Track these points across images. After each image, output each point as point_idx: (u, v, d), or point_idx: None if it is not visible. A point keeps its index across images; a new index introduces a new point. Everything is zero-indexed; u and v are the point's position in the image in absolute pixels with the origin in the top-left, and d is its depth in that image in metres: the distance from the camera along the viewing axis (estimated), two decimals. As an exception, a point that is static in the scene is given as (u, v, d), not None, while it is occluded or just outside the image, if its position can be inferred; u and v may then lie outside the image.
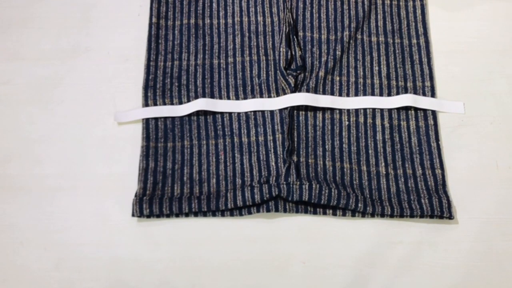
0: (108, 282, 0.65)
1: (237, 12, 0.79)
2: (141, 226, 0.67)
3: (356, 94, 0.73)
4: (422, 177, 0.68)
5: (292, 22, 0.76)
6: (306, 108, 0.71)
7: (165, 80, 0.74)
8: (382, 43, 0.76)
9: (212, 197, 0.67)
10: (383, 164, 0.69)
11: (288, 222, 0.67)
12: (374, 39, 0.76)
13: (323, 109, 0.72)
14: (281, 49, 0.73)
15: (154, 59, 0.76)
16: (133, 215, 0.66)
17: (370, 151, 0.69)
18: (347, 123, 0.71)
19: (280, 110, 0.71)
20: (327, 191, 0.64)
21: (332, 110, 0.72)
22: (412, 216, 0.65)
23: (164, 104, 0.73)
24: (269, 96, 0.72)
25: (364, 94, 0.73)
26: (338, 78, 0.73)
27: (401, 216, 0.65)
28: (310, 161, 0.68)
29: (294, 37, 0.75)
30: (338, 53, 0.74)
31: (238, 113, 0.72)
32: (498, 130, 0.71)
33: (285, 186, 0.65)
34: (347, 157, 0.69)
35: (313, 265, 0.65)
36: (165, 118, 0.72)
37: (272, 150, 0.69)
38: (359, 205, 0.65)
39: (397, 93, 0.73)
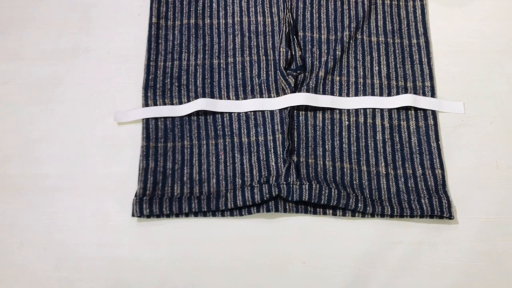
0: (108, 282, 0.65)
1: (237, 12, 0.79)
2: (141, 226, 0.67)
3: (356, 94, 0.73)
4: (422, 177, 0.68)
5: (292, 22, 0.76)
6: (306, 108, 0.71)
7: (165, 80, 0.74)
8: (382, 43, 0.76)
9: (212, 197, 0.67)
10: (383, 164, 0.69)
11: (288, 222, 0.67)
12: (374, 39, 0.76)
13: (323, 109, 0.72)
14: (281, 49, 0.73)
15: (154, 59, 0.76)
16: (133, 215, 0.66)
17: (370, 151, 0.69)
18: (347, 123, 0.71)
19: (280, 110, 0.71)
20: (327, 191, 0.64)
21: (332, 110, 0.72)
22: (412, 216, 0.65)
23: (164, 104, 0.73)
24: (269, 96, 0.72)
25: (364, 94, 0.73)
26: (338, 78, 0.73)
27: (401, 216, 0.65)
28: (310, 161, 0.68)
29: (294, 37, 0.75)
30: (338, 53, 0.74)
31: (238, 113, 0.72)
32: (498, 130, 0.71)
33: (285, 186, 0.65)
34: (347, 157, 0.69)
35: (313, 265, 0.65)
36: (165, 118, 0.72)
37: (272, 150, 0.69)
38: (359, 205, 0.65)
39: (397, 93, 0.73)
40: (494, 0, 0.79)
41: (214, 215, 0.67)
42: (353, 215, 0.66)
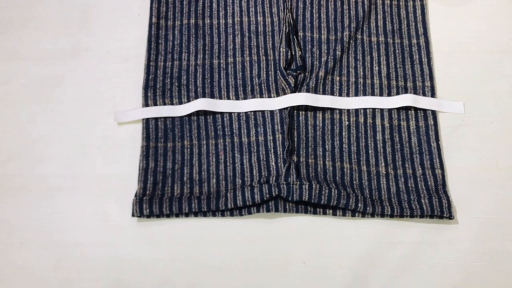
0: (108, 282, 0.65)
1: (237, 12, 0.79)
2: (141, 226, 0.67)
3: (356, 94, 0.73)
4: (422, 177, 0.68)
5: (292, 22, 0.76)
6: (306, 108, 0.71)
7: (165, 80, 0.74)
8: (382, 43, 0.76)
9: (212, 197, 0.67)
10: (383, 164, 0.69)
11: (288, 222, 0.67)
12: (374, 39, 0.76)
13: (323, 109, 0.72)
14: (281, 49, 0.73)
15: (154, 59, 0.76)
16: (133, 215, 0.66)
17: (370, 151, 0.69)
18: (347, 123, 0.71)
19: (280, 110, 0.71)
20: (327, 191, 0.64)
21: (332, 110, 0.72)
22: (412, 216, 0.65)
23: (164, 104, 0.73)
24: (269, 96, 0.72)
25: (364, 94, 0.73)
26: (338, 78, 0.73)
27: (401, 216, 0.65)
28: (310, 161, 0.68)
29: (294, 37, 0.75)
30: (338, 53, 0.74)
31: (238, 113, 0.72)
32: (498, 130, 0.71)
33: (285, 186, 0.65)
34: (347, 157, 0.69)
35: (313, 265, 0.65)
36: (165, 118, 0.72)
37: (272, 150, 0.69)
38: (359, 205, 0.65)
39: (397, 93, 0.73)
40: (494, 0, 0.79)
41: (214, 215, 0.67)
42: (353, 215, 0.66)
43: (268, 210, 0.66)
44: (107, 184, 0.69)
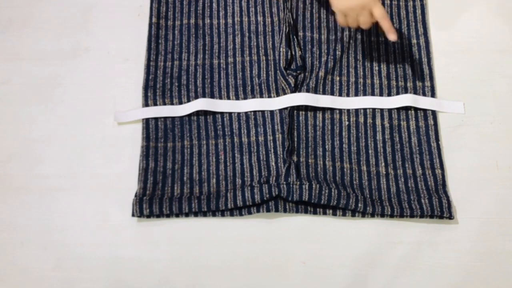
0: (108, 282, 0.65)
1: (237, 12, 0.79)
2: (141, 226, 0.67)
3: (356, 94, 0.73)
4: (422, 177, 0.67)
5: (292, 22, 0.76)
6: (306, 108, 0.71)
7: (165, 80, 0.74)
8: (382, 43, 0.76)
9: (212, 197, 0.67)
10: (383, 164, 0.69)
11: (288, 222, 0.67)
12: (374, 39, 0.76)
13: (323, 109, 0.72)
14: (281, 49, 0.73)
15: (154, 59, 0.76)
16: (133, 215, 0.66)
17: (370, 151, 0.69)
18: (347, 123, 0.71)
19: (280, 110, 0.71)
20: (327, 191, 0.64)
21: (332, 110, 0.72)
22: (412, 216, 0.65)
23: (164, 104, 0.73)
24: (269, 96, 0.72)
25: (364, 94, 0.72)
26: (338, 78, 0.73)
27: (401, 216, 0.65)
28: (310, 161, 0.68)
29: (294, 37, 0.75)
30: (338, 53, 0.74)
31: (238, 113, 0.72)
32: (498, 130, 0.71)
33: (285, 186, 0.65)
34: (347, 157, 0.69)
35: (313, 265, 0.65)
36: (165, 118, 0.72)
37: (272, 150, 0.69)
38: (359, 205, 0.64)
39: (397, 93, 0.72)
40: (494, 0, 0.79)
41: (214, 215, 0.67)
42: (353, 215, 0.66)
43: (268, 210, 0.66)
44: (107, 184, 0.69)
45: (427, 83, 0.73)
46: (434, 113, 0.71)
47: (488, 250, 0.65)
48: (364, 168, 0.68)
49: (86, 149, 0.72)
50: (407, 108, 0.71)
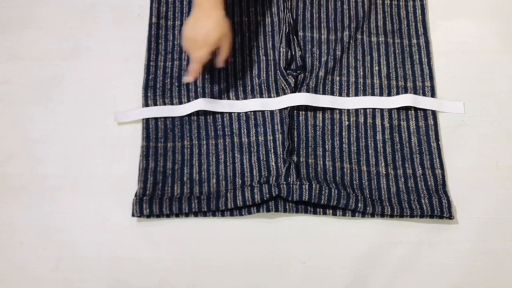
0: (108, 282, 0.65)
1: (237, 12, 0.79)
2: (141, 226, 0.67)
3: (356, 94, 0.73)
4: (422, 177, 0.67)
5: (292, 22, 0.76)
6: (306, 108, 0.71)
7: (165, 80, 0.74)
8: (382, 43, 0.76)
9: (212, 197, 0.67)
10: (383, 164, 0.69)
11: (288, 222, 0.67)
12: (374, 39, 0.76)
13: (323, 109, 0.72)
14: (281, 49, 0.73)
15: (154, 59, 0.76)
16: (133, 215, 0.66)
17: (370, 151, 0.69)
18: (347, 123, 0.71)
19: (280, 110, 0.71)
20: (327, 191, 0.64)
21: (332, 110, 0.72)
22: (412, 216, 0.65)
23: (164, 104, 0.73)
24: (269, 96, 0.72)
25: (364, 94, 0.72)
26: (338, 78, 0.73)
27: (401, 216, 0.65)
28: (310, 161, 0.68)
29: (294, 37, 0.75)
30: (338, 53, 0.74)
31: (238, 113, 0.72)
32: (498, 130, 0.71)
33: (285, 186, 0.65)
34: (347, 157, 0.69)
35: (313, 265, 0.65)
36: (165, 118, 0.72)
37: (272, 150, 0.69)
38: (359, 205, 0.64)
39: (397, 93, 0.72)
40: (494, 0, 0.79)
41: (214, 215, 0.67)
42: (353, 215, 0.66)
43: (268, 210, 0.66)
44: (107, 184, 0.69)
45: (427, 83, 0.73)
46: (434, 113, 0.71)
47: (488, 250, 0.65)
48: (364, 168, 0.68)
49: (86, 149, 0.72)
50: (407, 108, 0.71)
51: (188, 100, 0.73)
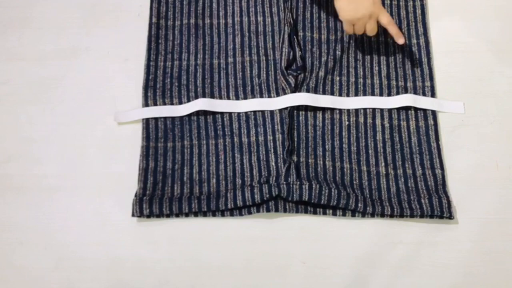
0: (108, 282, 0.65)
1: (237, 12, 0.79)
2: (141, 226, 0.67)
3: (356, 94, 0.73)
4: (422, 177, 0.67)
5: (292, 22, 0.76)
6: (306, 108, 0.71)
7: (165, 80, 0.74)
8: (382, 43, 0.76)
9: (212, 197, 0.67)
10: (383, 164, 0.69)
11: (288, 222, 0.67)
12: (374, 39, 0.76)
13: (323, 109, 0.72)
14: (283, 49, 0.73)
15: (154, 59, 0.76)
16: (133, 215, 0.66)
17: (370, 151, 0.69)
18: (347, 123, 0.71)
19: (280, 110, 0.71)
20: (327, 191, 0.64)
21: (332, 110, 0.72)
22: (412, 216, 0.65)
23: (164, 104, 0.73)
24: (269, 96, 0.72)
25: (364, 94, 0.72)
26: (338, 78, 0.73)
27: (401, 216, 0.65)
28: (310, 161, 0.68)
29: (294, 37, 0.75)
30: (338, 53, 0.74)
31: (238, 113, 0.72)
32: (498, 130, 0.71)
33: (285, 186, 0.65)
34: (347, 157, 0.69)
35: (313, 265, 0.65)
36: (165, 118, 0.72)
37: (272, 150, 0.69)
38: (359, 205, 0.64)
39: (397, 93, 0.72)
40: (494, 0, 0.79)
41: (214, 215, 0.67)
42: (353, 215, 0.66)
43: (268, 210, 0.66)
44: (107, 184, 0.69)
45: (427, 83, 0.73)
46: (434, 113, 0.71)
47: (488, 250, 0.65)
48: (364, 168, 0.68)
49: (86, 149, 0.72)
50: (407, 108, 0.71)
51: (188, 100, 0.73)
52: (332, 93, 0.72)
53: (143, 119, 0.72)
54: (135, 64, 0.76)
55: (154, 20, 0.78)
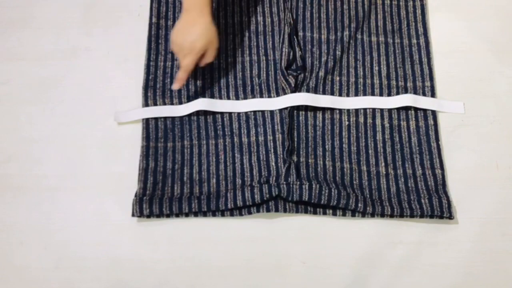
0: (108, 282, 0.65)
1: (237, 12, 0.79)
2: (141, 226, 0.67)
3: (356, 94, 0.73)
4: (422, 177, 0.67)
5: (292, 22, 0.76)
6: (306, 108, 0.71)
7: (165, 80, 0.74)
8: (382, 43, 0.76)
9: (212, 197, 0.67)
10: (383, 164, 0.69)
11: (288, 222, 0.67)
12: (374, 39, 0.76)
13: (323, 109, 0.72)
14: (284, 49, 0.73)
15: (154, 59, 0.76)
16: (133, 215, 0.66)
17: (370, 151, 0.69)
18: (347, 123, 0.71)
19: (280, 110, 0.71)
20: (327, 191, 0.64)
21: (332, 110, 0.72)
22: (412, 216, 0.65)
23: (164, 104, 0.73)
24: (269, 96, 0.72)
25: (364, 94, 0.72)
26: (338, 78, 0.73)
27: (401, 216, 0.65)
28: (310, 161, 0.68)
29: (294, 37, 0.75)
30: (338, 53, 0.74)
31: (238, 113, 0.72)
32: (498, 130, 0.71)
33: (285, 186, 0.65)
34: (347, 157, 0.69)
35: (313, 265, 0.65)
36: (165, 118, 0.72)
37: (272, 150, 0.69)
38: (359, 205, 0.64)
39: (397, 93, 0.72)
40: (494, 0, 0.79)
41: (214, 215, 0.67)
42: (353, 215, 0.66)
43: (268, 210, 0.66)
44: (107, 184, 0.69)
45: (427, 83, 0.73)
46: (434, 113, 0.71)
47: (488, 250, 0.65)
48: (364, 168, 0.68)
49: (86, 149, 0.72)
50: (407, 108, 0.71)
51: (188, 100, 0.73)
52: (332, 93, 0.72)
53: (143, 119, 0.72)
54: (135, 64, 0.76)
55: (154, 20, 0.78)
